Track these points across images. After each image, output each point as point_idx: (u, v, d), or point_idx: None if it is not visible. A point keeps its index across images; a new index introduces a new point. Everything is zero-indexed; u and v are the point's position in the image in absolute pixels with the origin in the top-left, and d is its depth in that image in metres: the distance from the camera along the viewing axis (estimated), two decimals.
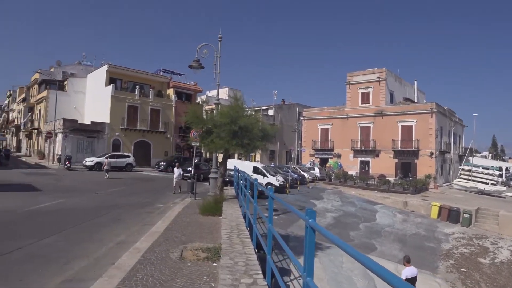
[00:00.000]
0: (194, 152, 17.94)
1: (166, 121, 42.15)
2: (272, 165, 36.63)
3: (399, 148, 38.63)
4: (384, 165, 39.48)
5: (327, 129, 46.26)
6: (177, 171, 19.18)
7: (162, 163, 35.35)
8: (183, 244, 7.67)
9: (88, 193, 17.44)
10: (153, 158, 40.57)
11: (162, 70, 51.86)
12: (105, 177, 25.57)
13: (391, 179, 34.57)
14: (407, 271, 9.34)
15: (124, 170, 33.08)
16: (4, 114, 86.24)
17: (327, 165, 43.62)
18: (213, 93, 54.34)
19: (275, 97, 54.51)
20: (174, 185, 19.13)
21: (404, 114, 39.19)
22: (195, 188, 16.35)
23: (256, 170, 25.50)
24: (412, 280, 9.09)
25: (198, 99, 51.88)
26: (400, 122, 39.36)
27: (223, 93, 51.65)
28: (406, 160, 38.52)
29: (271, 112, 50.65)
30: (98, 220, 11.16)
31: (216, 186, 13.84)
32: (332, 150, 45.10)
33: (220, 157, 15.48)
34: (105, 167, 26.93)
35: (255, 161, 38.66)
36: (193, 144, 15.86)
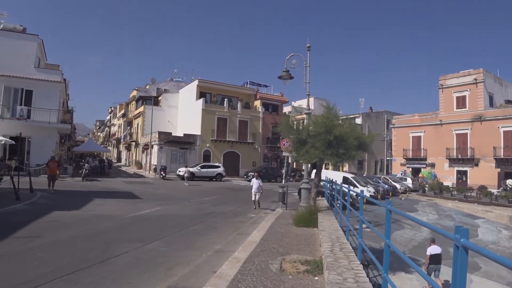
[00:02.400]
0: (286, 162, 17.55)
1: (254, 132, 42.92)
2: (364, 175, 35.47)
3: (502, 156, 35.15)
4: (484, 175, 36.18)
5: (419, 136, 43.78)
6: (256, 183, 16.54)
7: (250, 173, 35.88)
8: (281, 256, 7.51)
9: (183, 202, 18.11)
10: (242, 168, 41.39)
11: (249, 82, 53.06)
12: (185, 184, 27.60)
13: (494, 190, 31.50)
14: (432, 249, 10.38)
15: (214, 180, 34.10)
16: (106, 129, 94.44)
17: (420, 175, 41.17)
18: (298, 103, 54.21)
19: (362, 105, 53.02)
20: (253, 199, 16.59)
21: (507, 119, 35.60)
22: (286, 198, 16.22)
23: (346, 180, 24.74)
24: (438, 256, 10.25)
25: (285, 110, 52.18)
26: (502, 127, 35.84)
27: (310, 103, 51.33)
28: (510, 170, 34.99)
29: (358, 121, 49.25)
30: (195, 228, 11.43)
31: (308, 197, 13.55)
32: (425, 159, 42.56)
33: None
34: (186, 175, 28.99)
35: (342, 171, 37.70)
36: (284, 154, 15.78)
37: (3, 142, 24.96)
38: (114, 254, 7.86)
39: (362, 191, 7.08)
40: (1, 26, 31.84)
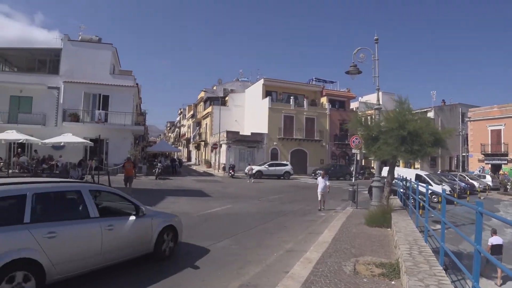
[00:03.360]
0: (356, 159, 16.94)
1: (321, 130, 42.35)
2: (439, 173, 33.64)
3: None
4: None
5: (499, 130, 40.63)
6: (322, 182, 15.42)
7: (318, 171, 35.40)
8: (354, 257, 7.25)
9: (252, 200, 18.24)
10: (309, 166, 41.03)
11: (314, 79, 52.40)
12: (248, 181, 28.53)
13: None
14: (493, 239, 10.26)
15: (282, 178, 34.09)
16: (176, 129, 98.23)
17: (501, 172, 38.14)
18: (366, 98, 52.74)
19: (434, 98, 50.17)
20: (319, 199, 15.45)
21: None
22: (356, 197, 15.76)
23: (418, 178, 23.54)
24: (499, 247, 10.08)
25: (352, 106, 50.95)
26: None
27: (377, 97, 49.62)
28: None
29: (430, 115, 46.76)
30: (265, 226, 11.43)
31: (380, 195, 13.02)
32: (505, 154, 39.42)
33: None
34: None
35: (414, 168, 35.98)
36: (354, 151, 15.33)
37: (84, 144, 26.85)
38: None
39: (443, 190, 6.60)
40: (80, 37, 34.25)
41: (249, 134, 40.96)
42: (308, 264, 6.73)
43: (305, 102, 42.93)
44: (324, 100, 45.75)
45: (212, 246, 8.58)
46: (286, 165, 35.64)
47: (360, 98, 54.96)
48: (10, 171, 23.27)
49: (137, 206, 6.80)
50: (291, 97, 42.65)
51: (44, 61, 33.48)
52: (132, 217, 6.54)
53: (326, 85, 51.97)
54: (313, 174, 36.38)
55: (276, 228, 11.21)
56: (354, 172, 19.69)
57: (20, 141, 24.87)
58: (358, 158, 16.54)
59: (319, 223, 12.29)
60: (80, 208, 5.82)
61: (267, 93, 43.33)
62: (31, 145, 28.76)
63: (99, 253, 5.78)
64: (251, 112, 47.57)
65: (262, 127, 41.31)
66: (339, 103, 46.89)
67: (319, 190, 15.39)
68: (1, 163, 26.11)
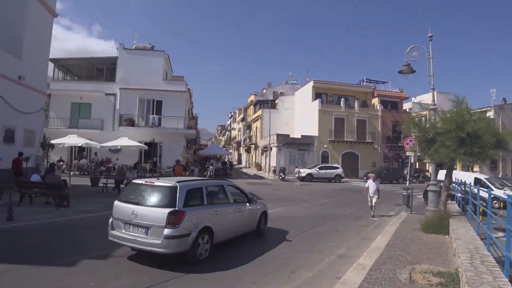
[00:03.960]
0: (410, 162, 16.24)
1: (372, 131, 41.31)
2: (499, 176, 31.80)
3: None
4: None
5: None
6: (372, 185, 14.46)
7: (370, 174, 34.53)
8: (410, 265, 6.98)
9: (303, 203, 18.11)
10: (361, 169, 40.13)
11: (365, 80, 51.19)
12: (296, 184, 28.78)
13: None
14: None
15: (333, 181, 33.64)
16: (227, 133, 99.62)
17: None
18: (419, 98, 50.82)
19: (494, 96, 47.43)
20: (370, 204, 14.63)
21: None
22: (411, 202, 15.20)
23: (478, 182, 22.30)
24: None
25: (405, 107, 49.36)
26: None
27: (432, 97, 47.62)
28: None
29: (489, 115, 44.21)
30: (317, 230, 11.31)
31: (437, 200, 12.46)
32: None
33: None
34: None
35: (472, 171, 34.19)
36: (408, 154, 14.80)
37: (139, 148, 27.89)
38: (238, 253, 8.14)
39: (509, 196, 6.16)
40: (134, 46, 35.73)
41: (299, 136, 40.74)
42: (362, 270, 6.58)
43: (356, 103, 42.11)
44: (375, 101, 44.64)
45: (264, 250, 8.60)
46: (337, 168, 35.11)
47: (413, 98, 52.96)
48: (71, 172, 24.56)
49: (250, 197, 9.80)
50: (342, 99, 41.98)
51: (102, 69, 35.27)
52: (248, 204, 9.42)
53: (378, 85, 50.57)
54: (364, 177, 35.54)
55: (327, 232, 11.08)
56: (408, 176, 18.93)
57: (80, 145, 26.30)
58: (412, 161, 15.89)
59: (371, 228, 12.00)
60: (224, 196, 8.72)
61: (317, 95, 42.96)
62: (90, 149, 30.36)
63: (234, 226, 8.70)
64: (301, 114, 47.32)
65: (312, 129, 40.96)
66: (392, 104, 45.55)
67: (369, 194, 14.51)
68: (64, 165, 27.65)
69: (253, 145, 55.50)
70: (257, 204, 10.08)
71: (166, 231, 6.64)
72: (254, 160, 55.02)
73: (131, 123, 31.22)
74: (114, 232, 7.26)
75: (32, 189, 13.98)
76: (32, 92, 19.41)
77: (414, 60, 13.68)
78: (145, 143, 28.12)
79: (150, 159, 30.06)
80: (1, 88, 16.47)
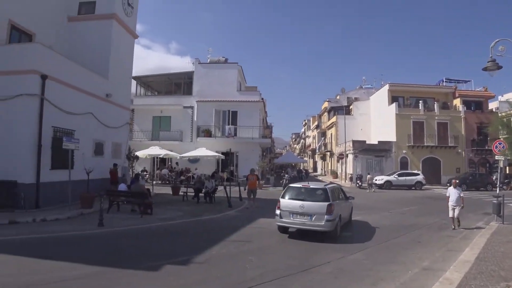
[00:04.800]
0: (499, 167, 14.91)
1: (455, 135, 38.75)
2: None
3: None
4: None
5: None
6: (454, 193, 12.89)
7: (452, 180, 32.55)
8: (504, 281, 6.39)
9: (382, 211, 17.55)
10: (443, 175, 37.82)
11: (444, 80, 48.38)
12: (368, 191, 28.58)
13: None
14: None
15: (413, 188, 32.13)
16: (302, 140, 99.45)
17: None
18: (506, 96, 46.95)
19: None
20: (451, 215, 12.97)
21: None
22: (502, 210, 13.99)
23: None
24: None
25: (491, 106, 45.94)
26: None
27: None
28: None
29: None
30: (398, 241, 10.87)
31: None
32: None
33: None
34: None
35: None
36: (497, 158, 13.75)
37: (217, 157, 28.79)
38: (317, 263, 8.05)
39: None
40: (208, 60, 37.26)
41: (376, 142, 39.49)
42: (449, 285, 6.19)
43: (435, 105, 39.88)
44: (457, 102, 41.93)
45: (343, 259, 8.47)
46: (417, 174, 33.48)
47: (500, 97, 48.97)
48: (154, 182, 25.98)
49: (348, 196, 13.07)
50: (420, 101, 39.98)
51: (180, 83, 37.14)
52: (348, 201, 12.69)
53: (459, 85, 47.45)
54: (448, 184, 33.50)
55: (409, 243, 10.58)
56: (497, 182, 17.44)
57: (162, 156, 27.80)
58: (502, 166, 14.64)
59: (458, 240, 11.22)
60: (341, 195, 12.34)
61: (393, 98, 41.39)
62: (170, 159, 32.01)
63: (346, 215, 12.31)
64: (377, 119, 45.89)
65: (389, 135, 39.53)
66: (475, 104, 42.48)
67: (450, 203, 12.96)
68: (147, 175, 29.36)
69: (329, 153, 54.86)
70: (350, 200, 13.17)
71: (327, 217, 10.13)
72: (329, 167, 54.32)
73: (208, 134, 32.43)
74: (284, 219, 10.70)
75: (119, 197, 15.02)
76: (118, 108, 20.94)
77: (500, 55, 12.71)
78: (222, 153, 29.00)
79: (227, 168, 30.93)
80: (92, 106, 18.02)
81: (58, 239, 9.76)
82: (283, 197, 11.12)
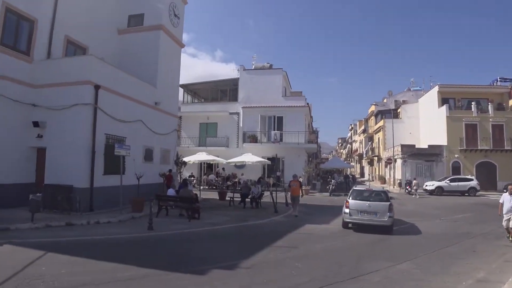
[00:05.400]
0: None
1: None
2: None
3: None
4: None
5: None
6: (509, 200, 11.42)
7: (508, 185, 30.79)
8: None
9: (433, 219, 16.95)
10: (500, 180, 35.81)
11: (499, 79, 45.97)
12: (414, 197, 28.20)
13: None
14: None
15: (466, 194, 30.72)
16: (348, 145, 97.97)
17: None
18: None
19: None
20: (505, 226, 11.51)
21: None
22: None
23: None
24: None
25: None
26: None
27: None
28: None
29: None
30: (450, 250, 10.40)
31: None
32: None
33: None
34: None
35: None
36: None
37: (263, 163, 28.96)
38: (365, 271, 7.88)
39: None
40: (253, 66, 37.69)
41: (426, 147, 38.16)
42: None
43: (489, 106, 37.87)
44: None
45: (392, 268, 8.22)
46: (470, 180, 31.92)
47: None
48: (201, 187, 26.49)
49: (388, 197, 13.58)
50: (472, 103, 38.12)
51: (225, 90, 37.79)
52: (390, 202, 13.10)
53: None
54: (504, 190, 31.71)
55: (463, 253, 10.08)
56: None
57: (208, 161, 28.35)
58: None
59: None
60: (384, 196, 13.38)
61: (443, 100, 39.80)
62: (217, 165, 32.55)
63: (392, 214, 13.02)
64: (426, 123, 44.31)
65: (440, 138, 38.04)
66: None
67: (504, 211, 11.49)
68: (194, 181, 29.99)
69: (376, 157, 53.65)
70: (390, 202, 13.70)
71: (388, 214, 12.51)
72: (377, 173, 53.06)
73: (254, 139, 32.72)
74: (353, 216, 12.89)
75: (168, 202, 15.44)
76: (166, 115, 21.61)
77: None
78: (268, 158, 29.13)
79: (273, 173, 31.02)
80: (142, 114, 18.73)
81: (111, 241, 10.21)
82: (349, 198, 13.44)
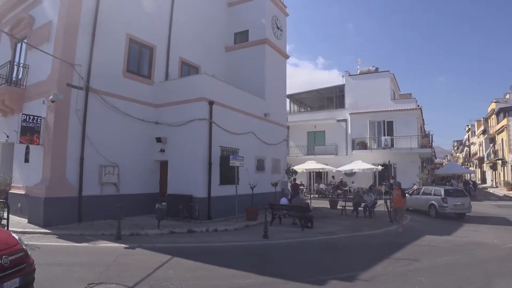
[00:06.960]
0: None
1: None
2: None
3: None
4: None
5: None
6: None
7: None
8: None
9: None
10: None
11: None
12: None
13: None
14: None
15: None
16: (466, 148, 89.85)
17: None
18: None
19: None
20: None
21: None
22: None
23: None
24: None
25: None
26: None
27: None
28: None
29: None
30: None
31: None
32: None
33: None
34: None
35: None
36: None
37: (373, 170, 28.12)
38: None
39: None
40: (358, 71, 36.98)
41: None
42: None
43: None
44: None
45: None
46: None
47: None
48: (311, 195, 26.54)
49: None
50: None
51: (331, 97, 37.55)
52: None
53: None
54: None
55: None
56: None
57: (318, 170, 28.39)
58: None
59: None
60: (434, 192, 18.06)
61: None
62: (326, 173, 32.36)
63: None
64: None
65: None
66: None
67: None
68: (304, 189, 30.15)
69: (500, 161, 48.39)
70: None
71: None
72: (502, 178, 47.87)
73: (363, 146, 31.90)
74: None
75: (281, 210, 15.75)
76: (275, 126, 22.17)
77: None
78: (379, 165, 28.21)
79: (384, 181, 29.88)
80: (252, 125, 19.50)
81: (228, 248, 10.70)
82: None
